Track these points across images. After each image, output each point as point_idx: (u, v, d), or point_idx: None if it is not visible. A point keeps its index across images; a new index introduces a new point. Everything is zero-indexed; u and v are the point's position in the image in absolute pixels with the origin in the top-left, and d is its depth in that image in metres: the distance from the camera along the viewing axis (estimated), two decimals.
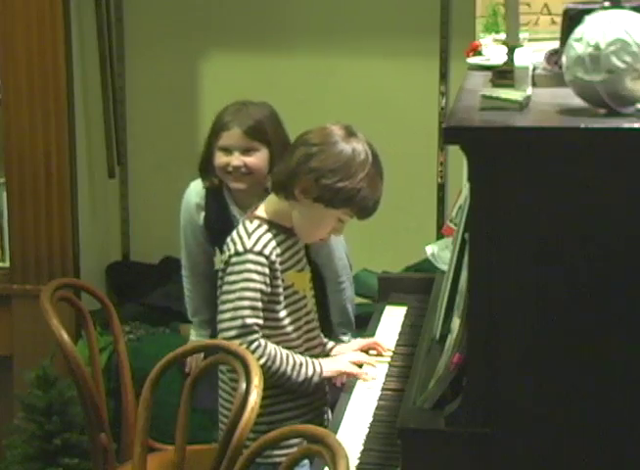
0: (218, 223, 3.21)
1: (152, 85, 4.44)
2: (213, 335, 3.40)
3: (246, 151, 3.11)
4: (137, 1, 4.40)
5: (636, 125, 1.85)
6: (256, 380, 2.28)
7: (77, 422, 3.52)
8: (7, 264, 3.91)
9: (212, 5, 4.37)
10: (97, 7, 4.24)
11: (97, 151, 4.31)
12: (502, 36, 2.84)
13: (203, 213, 3.29)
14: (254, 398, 2.24)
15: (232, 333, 2.58)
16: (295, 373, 2.63)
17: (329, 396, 2.79)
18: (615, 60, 1.86)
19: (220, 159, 3.14)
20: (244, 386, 2.29)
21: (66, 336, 2.82)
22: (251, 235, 2.62)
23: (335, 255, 3.27)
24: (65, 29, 3.77)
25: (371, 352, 2.83)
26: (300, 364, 2.64)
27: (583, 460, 1.94)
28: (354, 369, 2.70)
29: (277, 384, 2.63)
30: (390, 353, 2.82)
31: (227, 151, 3.12)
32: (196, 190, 3.30)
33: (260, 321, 2.59)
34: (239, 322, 2.57)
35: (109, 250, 4.51)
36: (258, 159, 3.11)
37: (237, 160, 3.11)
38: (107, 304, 3.12)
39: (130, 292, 4.35)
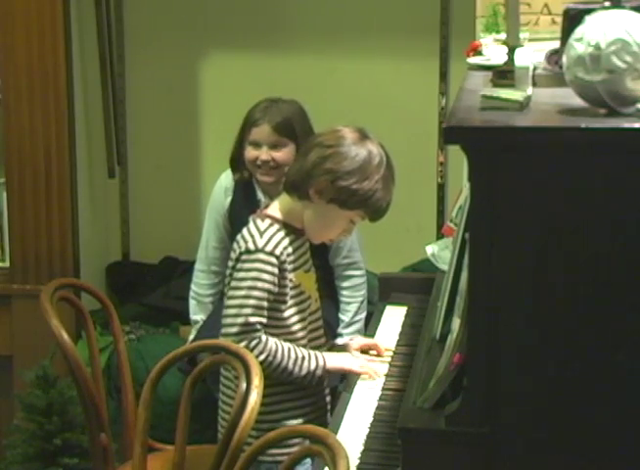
0: (243, 208, 3.29)
1: (152, 85, 4.44)
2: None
3: (274, 146, 3.32)
4: (137, 1, 4.40)
5: (636, 125, 1.85)
6: (256, 380, 2.28)
7: (77, 422, 3.52)
8: (7, 264, 3.91)
9: (212, 5, 4.37)
10: (97, 7, 4.24)
11: (97, 151, 4.31)
12: (502, 36, 2.84)
13: (230, 198, 3.49)
14: (254, 398, 2.24)
15: (234, 330, 2.59)
16: (297, 368, 2.64)
17: (328, 380, 2.80)
18: (615, 60, 1.86)
19: (250, 153, 3.35)
20: (244, 386, 2.29)
21: (66, 336, 2.82)
22: (264, 234, 2.62)
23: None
24: (65, 29, 3.76)
25: (371, 352, 2.84)
26: (303, 358, 2.65)
27: (583, 460, 1.94)
28: (357, 368, 2.70)
29: (280, 379, 2.64)
30: (390, 354, 2.82)
31: (257, 145, 3.34)
32: (227, 178, 3.52)
33: (264, 320, 2.60)
34: (242, 320, 2.58)
35: (109, 250, 4.51)
36: (286, 153, 3.32)
37: (265, 154, 3.32)
38: (107, 304, 3.12)
39: (130, 292, 4.34)
